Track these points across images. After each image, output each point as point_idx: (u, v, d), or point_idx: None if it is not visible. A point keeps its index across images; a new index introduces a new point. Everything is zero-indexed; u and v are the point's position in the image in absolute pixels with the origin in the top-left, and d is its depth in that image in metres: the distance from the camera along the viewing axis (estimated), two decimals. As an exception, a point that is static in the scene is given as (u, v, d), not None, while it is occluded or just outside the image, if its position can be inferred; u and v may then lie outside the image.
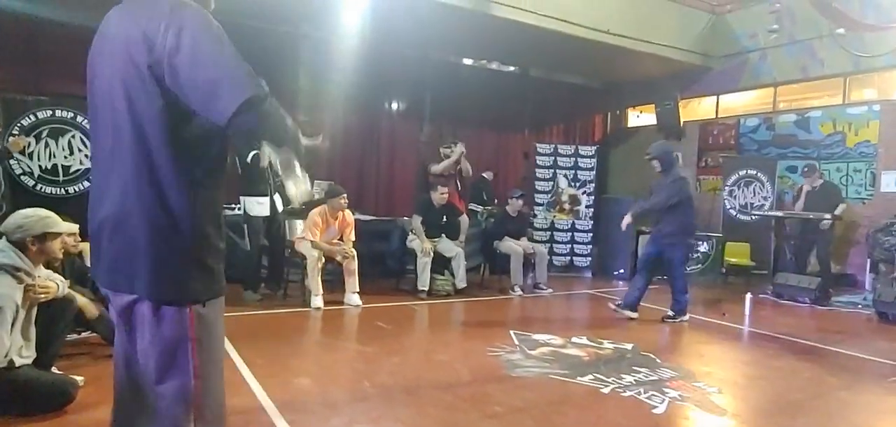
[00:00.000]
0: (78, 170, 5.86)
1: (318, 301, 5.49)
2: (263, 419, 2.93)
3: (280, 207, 5.84)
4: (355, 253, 5.75)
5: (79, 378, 3.15)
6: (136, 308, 1.42)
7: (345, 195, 5.73)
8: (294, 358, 4.06)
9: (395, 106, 10.30)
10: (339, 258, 5.71)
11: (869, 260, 7.76)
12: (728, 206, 9.10)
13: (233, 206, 6.11)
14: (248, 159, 5.55)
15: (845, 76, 8.71)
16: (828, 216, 7.33)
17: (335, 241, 5.77)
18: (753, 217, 8.87)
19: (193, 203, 1.40)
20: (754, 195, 8.94)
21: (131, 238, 1.38)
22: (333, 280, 6.15)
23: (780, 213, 8.21)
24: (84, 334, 3.92)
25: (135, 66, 1.35)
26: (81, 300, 3.33)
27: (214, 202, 1.49)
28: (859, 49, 7.76)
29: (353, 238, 5.84)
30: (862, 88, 8.82)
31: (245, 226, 5.73)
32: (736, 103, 10.41)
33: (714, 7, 9.96)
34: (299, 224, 6.08)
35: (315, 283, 5.49)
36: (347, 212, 5.87)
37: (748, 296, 6.48)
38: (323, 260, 5.60)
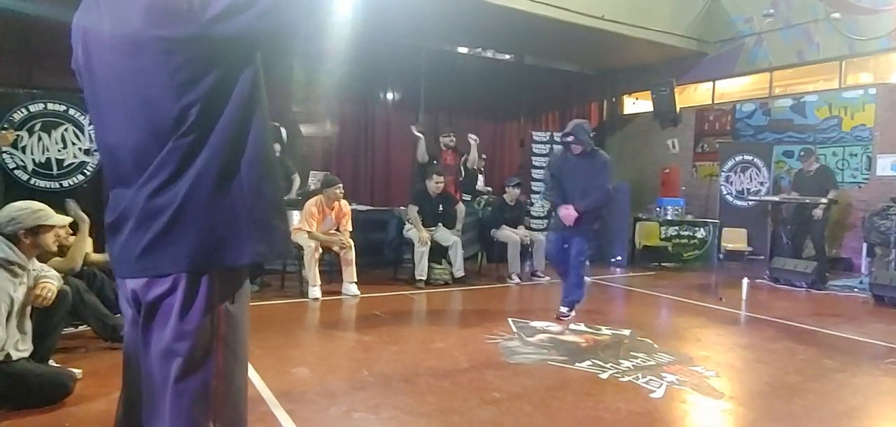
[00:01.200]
0: (72, 163, 5.82)
1: (315, 292, 5.49)
2: (262, 409, 2.93)
3: None
4: (352, 243, 5.74)
5: (76, 371, 3.15)
6: (164, 301, 1.33)
7: (340, 185, 5.72)
8: (292, 348, 4.06)
9: (390, 96, 10.26)
10: (336, 248, 5.70)
11: (865, 244, 7.80)
12: (725, 192, 9.11)
13: None
14: None
15: (841, 60, 8.71)
16: (823, 200, 7.35)
17: (332, 231, 5.77)
18: (750, 202, 8.89)
19: (228, 176, 1.32)
20: (751, 181, 8.95)
21: (171, 214, 1.29)
22: (331, 271, 6.15)
23: (775, 198, 8.23)
24: (81, 327, 3.91)
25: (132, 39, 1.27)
26: (94, 257, 3.38)
27: (264, 152, 1.39)
28: (855, 32, 7.76)
29: (349, 228, 5.84)
30: (858, 72, 8.82)
31: None
32: (732, 89, 10.41)
33: (709, -9, 9.93)
34: (296, 215, 6.06)
35: (312, 273, 5.48)
36: (343, 202, 5.86)
37: (745, 281, 6.49)
38: (320, 251, 5.59)
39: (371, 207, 7.80)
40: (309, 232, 5.55)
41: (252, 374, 3.40)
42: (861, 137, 8.41)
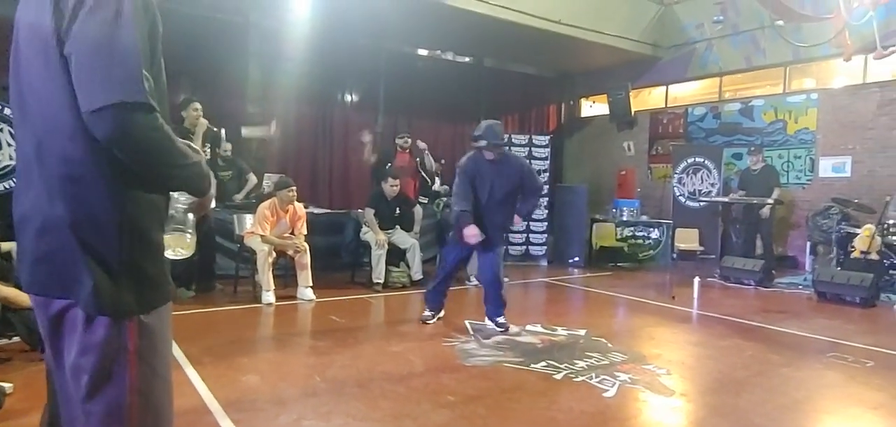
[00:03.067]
0: (7, 166, 5.52)
1: (269, 296, 5.35)
2: (207, 420, 2.82)
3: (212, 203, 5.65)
4: (307, 246, 5.62)
5: (6, 385, 2.97)
6: (66, 315, 1.25)
7: (294, 188, 5.59)
8: (243, 355, 3.93)
9: (349, 97, 10.14)
10: (290, 252, 5.58)
11: (809, 242, 8.11)
12: (677, 194, 9.33)
13: None
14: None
15: (786, 66, 9.05)
16: (769, 201, 7.63)
17: (286, 234, 5.64)
18: (701, 203, 9.14)
19: (122, 200, 1.22)
20: (702, 182, 9.20)
21: (58, 239, 1.21)
22: (285, 275, 6.02)
23: (725, 199, 8.49)
24: (15, 338, 3.70)
25: (42, 36, 1.19)
26: (7, 291, 3.14)
27: (151, 196, 1.30)
28: (798, 39, 8.04)
29: (304, 231, 5.72)
30: (801, 78, 9.18)
31: None
32: (684, 93, 10.70)
33: (662, -2, 10.18)
34: (249, 218, 5.90)
35: (266, 278, 5.34)
36: (298, 204, 5.74)
37: (697, 280, 6.67)
38: (274, 254, 5.46)
39: (327, 210, 7.67)
40: (262, 235, 5.40)
41: (199, 383, 3.28)
42: (804, 140, 8.75)
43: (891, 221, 6.78)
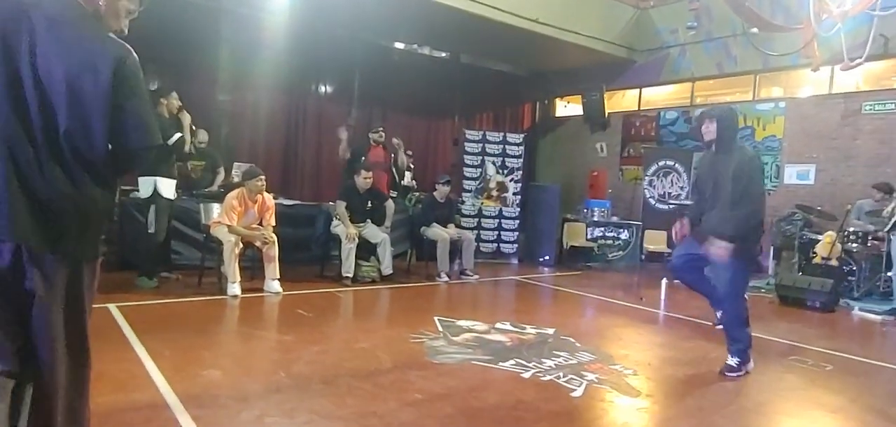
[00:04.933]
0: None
1: (234, 289, 5.23)
2: (165, 415, 2.72)
3: (172, 195, 5.52)
4: (275, 238, 5.52)
5: None
6: None
7: (263, 177, 5.47)
8: (205, 349, 3.83)
9: (323, 88, 10.00)
10: (258, 243, 5.47)
11: (772, 247, 8.29)
12: (648, 196, 9.45)
13: (131, 188, 5.77)
14: (172, 141, 5.17)
15: (755, 73, 9.24)
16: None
17: (254, 225, 5.52)
18: (671, 206, 9.27)
19: None
20: (672, 185, 9.33)
21: None
22: (253, 267, 5.89)
23: (693, 203, 8.61)
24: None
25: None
26: None
27: None
28: (769, 48, 8.21)
29: (273, 222, 5.60)
30: (770, 86, 9.38)
31: (152, 207, 5.35)
32: (657, 96, 10.84)
33: (638, 2, 10.28)
34: (216, 207, 5.76)
35: (232, 269, 5.22)
36: (267, 195, 5.62)
37: (664, 281, 6.76)
38: (241, 245, 5.34)
39: (298, 202, 7.55)
40: (229, 225, 5.28)
41: (159, 378, 3.17)
42: (772, 147, 8.94)
43: (851, 229, 6.97)
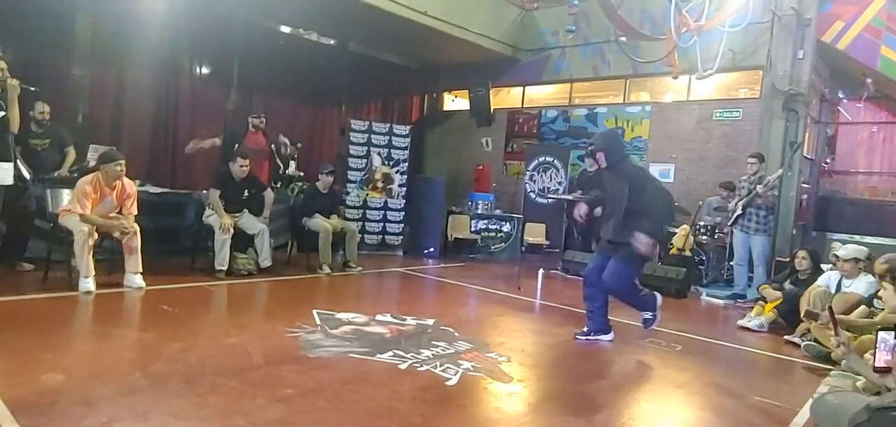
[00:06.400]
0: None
1: (88, 284, 4.72)
2: (-11, 427, 2.40)
3: (26, 175, 4.93)
4: (137, 227, 5.06)
5: None
6: None
7: (122, 161, 4.96)
8: (46, 351, 3.41)
9: (198, 68, 9.35)
10: (116, 234, 4.98)
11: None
12: (529, 190, 9.86)
13: None
14: None
15: (626, 78, 9.95)
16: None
17: (113, 214, 5.02)
18: (549, 200, 9.74)
19: None
20: (551, 180, 9.81)
21: None
22: (112, 259, 5.36)
23: (568, 197, 9.10)
24: None
25: None
26: None
27: None
28: (637, 55, 8.88)
29: (134, 211, 5.12)
30: (639, 91, 10.14)
31: None
32: (539, 95, 11.33)
33: (523, 3, 10.66)
34: (66, 194, 5.18)
35: (84, 262, 4.70)
36: (127, 180, 5.12)
37: (541, 271, 7.08)
38: (95, 236, 4.83)
39: (167, 190, 6.99)
40: (81, 214, 4.76)
41: (-20, 384, 2.78)
42: (638, 148, 9.68)
43: (702, 223, 7.74)
